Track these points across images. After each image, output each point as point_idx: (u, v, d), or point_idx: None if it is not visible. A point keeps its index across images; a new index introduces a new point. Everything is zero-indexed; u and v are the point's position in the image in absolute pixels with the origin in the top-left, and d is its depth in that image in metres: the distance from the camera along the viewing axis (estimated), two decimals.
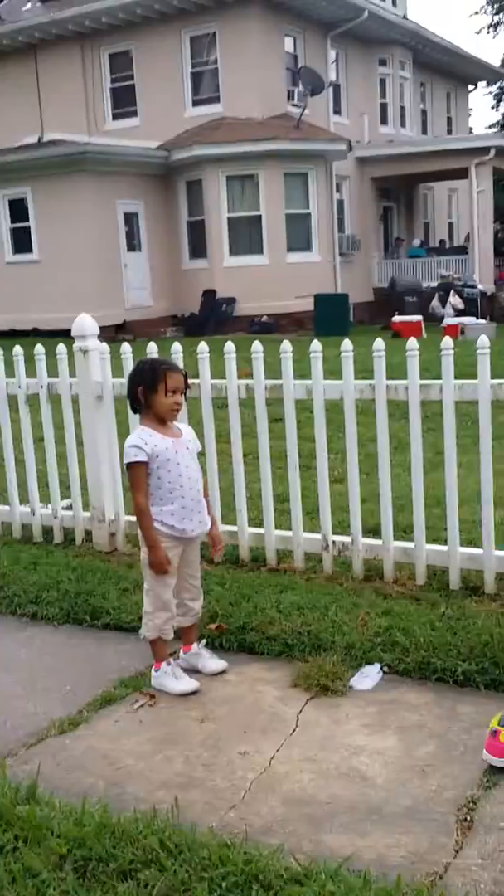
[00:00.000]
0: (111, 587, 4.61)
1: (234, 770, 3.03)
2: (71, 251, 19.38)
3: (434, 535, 4.56)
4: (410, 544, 4.45)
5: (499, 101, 43.02)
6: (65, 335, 5.48)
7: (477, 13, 65.38)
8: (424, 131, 28.96)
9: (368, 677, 3.59)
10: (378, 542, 4.52)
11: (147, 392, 3.59)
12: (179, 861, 2.44)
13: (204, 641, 3.90)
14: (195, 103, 22.08)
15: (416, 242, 26.65)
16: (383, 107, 26.06)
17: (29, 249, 20.37)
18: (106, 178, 19.73)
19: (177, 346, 4.88)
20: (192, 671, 3.75)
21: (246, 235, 20.82)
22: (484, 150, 23.06)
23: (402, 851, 2.55)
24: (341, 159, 22.20)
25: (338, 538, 4.65)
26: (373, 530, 4.69)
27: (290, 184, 21.00)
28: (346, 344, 4.43)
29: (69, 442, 5.40)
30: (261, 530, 4.86)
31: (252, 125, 20.82)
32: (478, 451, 4.26)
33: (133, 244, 20.79)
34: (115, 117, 23.15)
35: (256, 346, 4.65)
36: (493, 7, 42.00)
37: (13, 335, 18.30)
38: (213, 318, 20.16)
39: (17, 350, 5.36)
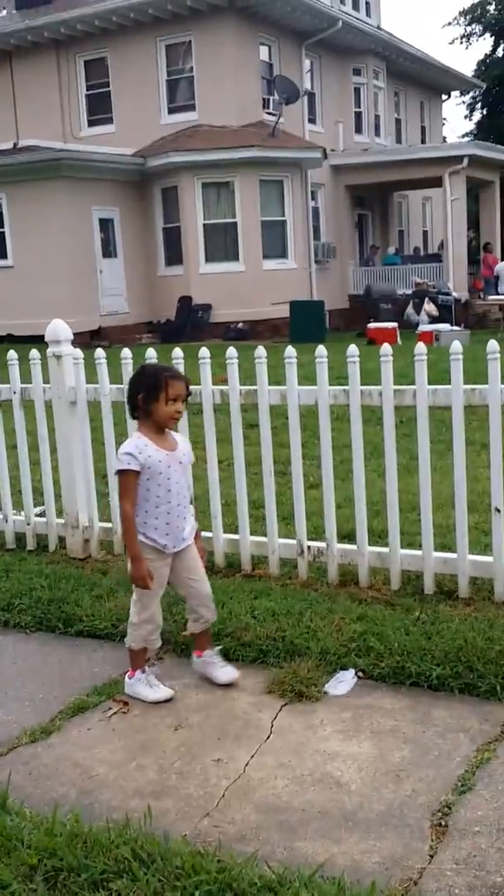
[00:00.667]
0: (84, 594, 4.57)
1: (208, 777, 3.01)
2: (46, 257, 19.31)
3: (409, 540, 4.57)
4: (385, 549, 4.45)
5: (472, 110, 43.41)
6: (39, 341, 5.45)
7: (450, 24, 65.95)
8: (398, 140, 29.14)
9: (343, 683, 3.58)
10: (353, 547, 4.52)
11: (147, 399, 3.50)
12: (152, 870, 2.42)
13: (218, 649, 3.78)
14: (171, 111, 22.10)
15: (391, 250, 26.80)
16: (358, 115, 26.20)
17: (3, 255, 20.27)
18: (81, 184, 19.70)
19: (151, 352, 4.85)
20: (206, 679, 3.71)
21: (222, 242, 20.84)
22: (457, 159, 23.24)
23: (376, 857, 2.53)
24: (316, 167, 22.30)
25: (313, 544, 4.64)
26: (348, 535, 4.69)
27: (266, 191, 21.05)
28: (321, 350, 4.43)
29: (42, 448, 5.36)
30: (236, 536, 4.84)
31: (227, 133, 20.87)
32: (451, 455, 4.27)
33: (109, 250, 20.75)
34: (90, 124, 23.12)
35: (231, 351, 4.64)
36: (465, 18, 42.42)
37: None
38: (189, 325, 20.14)
39: None
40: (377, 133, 26.99)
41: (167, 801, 2.87)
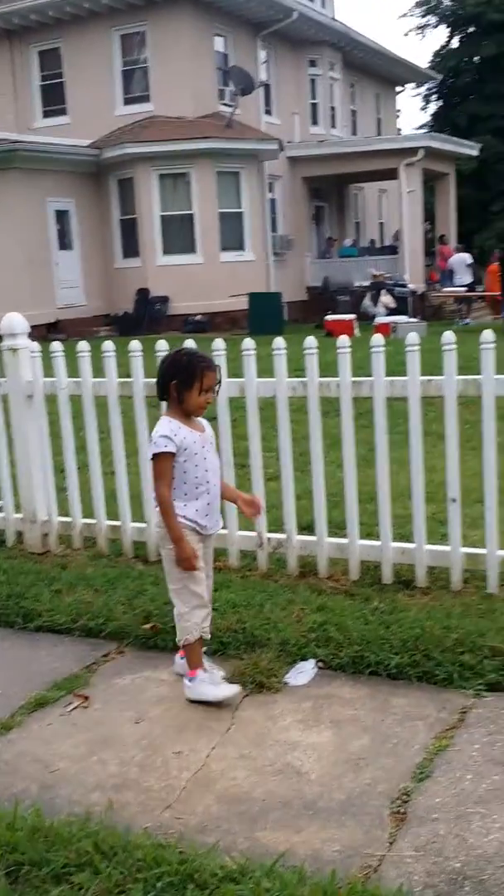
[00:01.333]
0: (44, 589, 4.54)
1: (169, 770, 3.02)
2: (0, 250, 19.07)
3: (367, 531, 4.60)
4: (344, 540, 4.48)
5: (427, 102, 43.67)
6: None
7: (405, 15, 66.19)
8: (354, 132, 29.23)
9: (303, 673, 3.60)
10: (312, 538, 4.54)
11: (180, 387, 3.41)
12: (114, 863, 2.42)
13: (203, 649, 3.64)
14: (126, 101, 21.94)
15: (348, 242, 26.89)
16: (314, 107, 26.23)
17: None
18: (36, 175, 19.47)
19: (109, 345, 4.83)
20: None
21: (179, 234, 20.76)
22: (413, 151, 23.39)
23: (336, 846, 2.56)
24: (273, 159, 22.28)
25: (273, 535, 4.66)
26: (307, 527, 4.71)
27: (223, 183, 20.99)
28: (279, 341, 4.44)
29: None
30: None
31: (183, 124, 20.77)
32: (409, 446, 4.31)
33: (65, 242, 20.55)
34: (45, 115, 22.89)
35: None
36: (421, 9, 42.62)
37: None
38: (146, 317, 20.06)
39: None
40: (333, 125, 27.05)
41: (128, 795, 2.88)
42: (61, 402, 5.11)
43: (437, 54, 42.18)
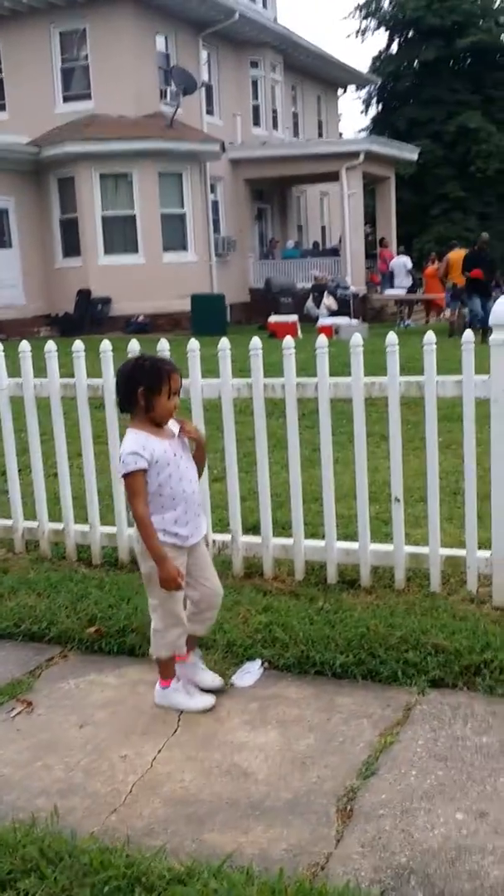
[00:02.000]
0: None
1: (115, 774, 3.00)
2: None
3: (312, 531, 4.63)
4: (289, 541, 4.50)
5: (368, 105, 44.03)
6: None
7: (346, 18, 66.70)
8: (296, 134, 29.35)
9: (249, 673, 3.60)
10: (257, 539, 4.55)
11: (148, 394, 3.26)
12: (60, 868, 2.40)
13: (200, 653, 3.64)
14: (66, 99, 21.69)
15: (290, 244, 27.00)
16: (255, 108, 26.26)
17: None
18: None
19: (51, 345, 4.78)
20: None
21: (121, 234, 20.62)
22: (354, 155, 23.57)
23: (284, 845, 2.57)
24: (215, 160, 22.27)
25: (218, 537, 4.66)
26: (253, 528, 4.72)
27: (165, 183, 20.91)
28: (224, 342, 4.44)
29: None
30: None
31: (125, 123, 20.64)
32: (353, 447, 4.34)
33: (3, 241, 20.27)
34: None
35: (133, 344, 4.60)
36: (361, 12, 42.97)
37: None
38: (88, 318, 19.88)
39: None
40: (275, 126, 27.13)
41: (74, 800, 2.85)
42: (1, 404, 5.04)
43: (376, 58, 42.58)
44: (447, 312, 20.30)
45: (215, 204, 23.62)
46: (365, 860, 2.48)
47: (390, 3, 41.81)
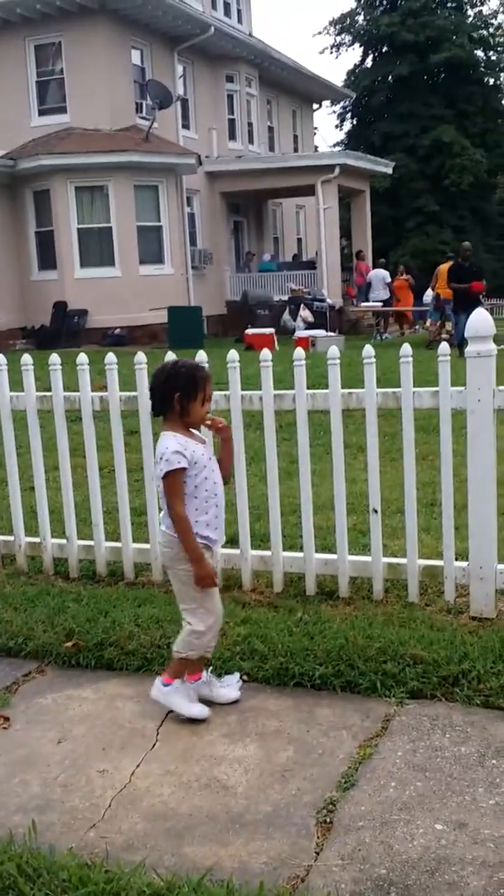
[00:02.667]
0: None
1: (94, 789, 2.98)
2: None
3: (291, 543, 4.63)
4: (267, 553, 4.50)
5: (342, 120, 44.38)
6: None
7: (320, 33, 67.19)
8: (272, 148, 29.49)
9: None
10: (236, 551, 4.55)
11: (184, 399, 3.32)
12: (38, 885, 2.38)
13: (211, 668, 3.62)
14: (41, 112, 21.68)
15: (267, 257, 27.10)
16: (231, 122, 26.37)
17: None
18: None
19: (27, 358, 4.77)
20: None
21: (97, 247, 20.59)
22: (329, 168, 23.72)
23: (263, 858, 2.56)
24: (191, 173, 22.33)
25: None
26: (231, 540, 4.70)
27: (141, 196, 20.93)
28: (201, 355, 4.44)
29: None
30: (118, 544, 4.80)
31: (101, 136, 20.65)
32: (330, 458, 4.35)
33: None
34: None
35: (110, 357, 4.60)
36: (335, 28, 43.35)
37: None
38: (65, 331, 19.81)
39: None
40: (251, 140, 27.25)
41: (52, 815, 2.83)
42: None
43: (351, 73, 42.94)
44: (428, 322, 20.40)
45: (191, 217, 23.68)
46: (345, 872, 2.48)
47: (364, 18, 42.21)
